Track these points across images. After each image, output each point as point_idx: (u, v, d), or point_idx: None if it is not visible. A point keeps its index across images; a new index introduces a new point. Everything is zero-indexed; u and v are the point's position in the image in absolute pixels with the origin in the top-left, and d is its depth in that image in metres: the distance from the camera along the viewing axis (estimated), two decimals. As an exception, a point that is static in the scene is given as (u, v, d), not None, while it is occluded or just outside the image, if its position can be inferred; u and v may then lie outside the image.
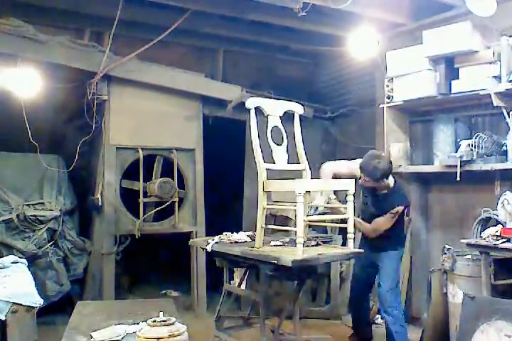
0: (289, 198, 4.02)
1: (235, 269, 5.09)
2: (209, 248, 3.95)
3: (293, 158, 3.85)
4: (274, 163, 3.72)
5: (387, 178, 4.13)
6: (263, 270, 3.73)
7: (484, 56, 4.33)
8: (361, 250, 3.80)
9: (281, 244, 3.85)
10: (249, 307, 4.48)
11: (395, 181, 4.30)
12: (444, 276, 4.35)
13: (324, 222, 4.17)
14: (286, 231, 4.49)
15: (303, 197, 3.37)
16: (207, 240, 4.11)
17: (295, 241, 3.42)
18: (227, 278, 4.33)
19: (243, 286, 4.79)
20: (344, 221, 3.70)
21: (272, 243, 3.86)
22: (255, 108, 3.71)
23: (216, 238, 4.09)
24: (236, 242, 3.98)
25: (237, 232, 4.25)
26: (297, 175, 3.83)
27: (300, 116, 3.94)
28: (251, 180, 6.27)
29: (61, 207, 5.52)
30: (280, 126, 3.81)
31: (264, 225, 3.64)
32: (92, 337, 2.91)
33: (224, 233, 4.20)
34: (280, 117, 3.85)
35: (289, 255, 3.35)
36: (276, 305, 4.72)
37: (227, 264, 4.21)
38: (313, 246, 3.79)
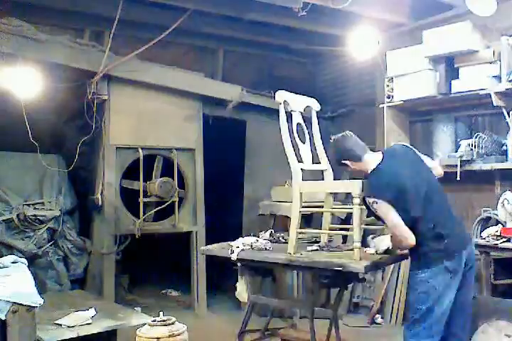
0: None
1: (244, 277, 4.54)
2: (234, 256, 3.69)
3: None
4: (301, 162, 3.55)
5: (347, 160, 3.27)
6: (315, 278, 3.56)
7: (484, 56, 4.33)
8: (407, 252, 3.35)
9: (317, 248, 3.65)
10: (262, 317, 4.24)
11: (382, 160, 3.20)
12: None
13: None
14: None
15: (358, 199, 3.18)
16: (229, 248, 3.77)
17: (327, 245, 3.45)
18: (250, 289, 3.97)
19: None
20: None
21: (308, 248, 3.64)
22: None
23: (240, 244, 3.79)
24: (265, 249, 3.72)
25: (240, 234, 4.13)
26: (316, 175, 3.73)
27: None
28: (251, 179, 6.27)
29: (61, 206, 5.52)
30: (302, 122, 3.67)
31: (299, 230, 3.44)
32: (61, 325, 2.99)
33: (240, 239, 3.89)
34: (301, 113, 3.69)
35: (351, 261, 3.19)
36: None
37: (252, 273, 3.96)
38: (334, 250, 3.61)
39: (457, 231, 3.14)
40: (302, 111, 3.70)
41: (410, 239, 2.99)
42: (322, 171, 3.76)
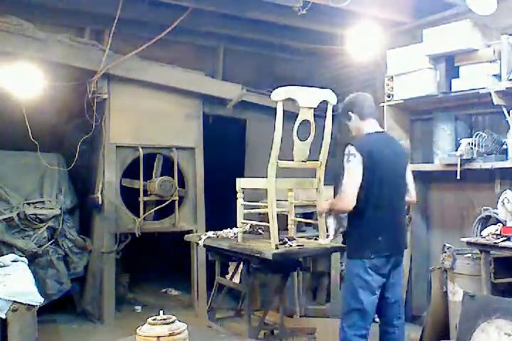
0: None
1: (230, 263, 5.22)
2: (201, 243, 4.20)
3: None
4: (292, 159, 3.65)
5: (353, 112, 3.39)
6: (251, 263, 3.88)
7: (484, 55, 4.32)
8: (344, 245, 3.52)
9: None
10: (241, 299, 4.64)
11: (380, 134, 3.39)
12: (444, 275, 4.36)
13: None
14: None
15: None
16: (200, 235, 4.35)
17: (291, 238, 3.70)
18: (219, 271, 4.57)
19: (237, 280, 4.90)
20: None
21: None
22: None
23: (209, 233, 4.31)
24: (228, 238, 4.18)
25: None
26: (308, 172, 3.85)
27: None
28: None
29: (61, 205, 5.53)
30: (312, 119, 3.64)
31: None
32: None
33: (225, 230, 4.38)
34: (314, 109, 3.64)
35: (270, 249, 3.53)
36: (264, 297, 4.96)
37: (220, 258, 4.41)
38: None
39: (394, 238, 3.31)
40: (315, 106, 3.65)
41: (351, 202, 3.12)
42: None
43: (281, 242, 3.64)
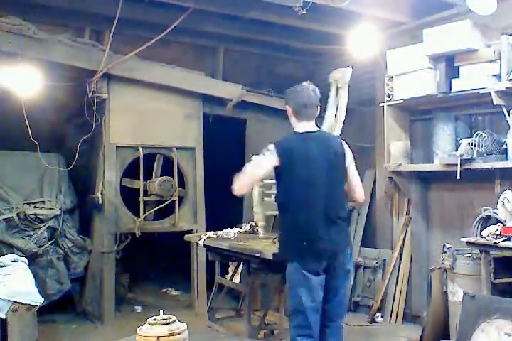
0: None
1: (230, 263, 5.32)
2: (201, 243, 4.23)
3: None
4: None
5: (290, 107, 3.28)
6: (251, 263, 3.92)
7: (484, 55, 4.32)
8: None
9: None
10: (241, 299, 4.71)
11: (302, 134, 3.24)
12: (444, 275, 4.36)
13: None
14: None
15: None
16: (200, 235, 4.41)
17: None
18: (218, 271, 4.67)
19: (237, 279, 4.95)
20: None
21: None
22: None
23: (209, 233, 4.37)
24: (228, 238, 4.25)
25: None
26: None
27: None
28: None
29: (61, 205, 5.53)
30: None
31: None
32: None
33: (225, 230, 4.50)
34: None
35: (270, 249, 3.55)
36: (264, 297, 4.93)
37: (219, 258, 4.46)
38: None
39: (323, 241, 3.11)
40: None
41: (238, 189, 3.12)
42: None
43: None
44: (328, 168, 3.15)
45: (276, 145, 3.12)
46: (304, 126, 3.24)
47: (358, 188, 3.34)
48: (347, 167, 3.26)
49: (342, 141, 3.36)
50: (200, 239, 4.25)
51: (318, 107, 3.30)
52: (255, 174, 3.14)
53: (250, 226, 4.54)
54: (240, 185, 3.12)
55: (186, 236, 4.78)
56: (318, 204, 3.10)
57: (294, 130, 3.27)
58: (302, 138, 3.21)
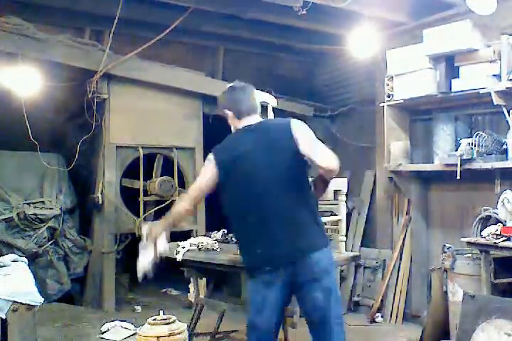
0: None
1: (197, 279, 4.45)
2: (179, 257, 3.55)
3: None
4: None
5: (230, 110, 2.95)
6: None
7: (484, 55, 4.32)
8: (358, 253, 3.50)
9: None
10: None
11: (242, 129, 2.92)
12: (444, 275, 4.36)
13: None
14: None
15: None
16: (177, 248, 3.67)
17: None
18: (196, 289, 3.93)
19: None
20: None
21: None
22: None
23: (187, 244, 3.68)
24: (213, 250, 3.65)
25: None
26: None
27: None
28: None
29: (61, 205, 5.53)
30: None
31: None
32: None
33: (190, 239, 3.82)
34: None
35: None
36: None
37: (197, 274, 3.86)
38: None
39: (282, 246, 2.71)
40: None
41: (179, 204, 2.92)
42: None
43: None
44: (272, 162, 2.73)
45: (213, 153, 2.90)
46: (244, 122, 2.91)
47: (316, 153, 2.66)
48: (298, 144, 2.70)
49: (292, 120, 2.82)
50: (178, 253, 3.59)
51: (256, 100, 2.96)
52: (199, 184, 2.91)
53: (222, 235, 4.01)
54: (185, 197, 2.92)
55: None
56: (269, 205, 2.71)
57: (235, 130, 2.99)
58: (239, 134, 2.91)
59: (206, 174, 2.87)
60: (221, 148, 2.93)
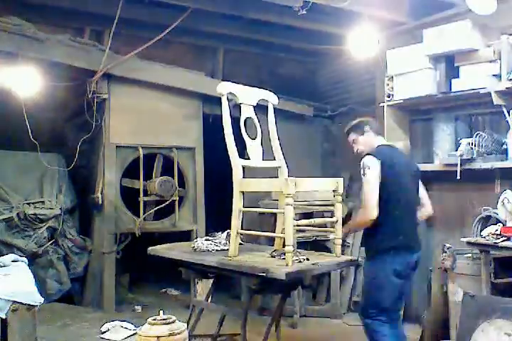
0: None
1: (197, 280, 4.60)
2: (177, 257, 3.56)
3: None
4: (248, 158, 3.50)
5: (357, 131, 3.62)
6: (245, 283, 3.34)
7: (484, 55, 4.32)
8: (354, 258, 3.76)
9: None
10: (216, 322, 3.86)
11: (387, 146, 3.56)
12: (444, 275, 4.35)
13: (313, 226, 3.80)
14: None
15: (292, 199, 2.94)
16: (170, 248, 3.71)
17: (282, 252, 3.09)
18: (194, 291, 3.95)
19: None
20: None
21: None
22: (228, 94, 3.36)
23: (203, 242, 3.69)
24: (208, 251, 3.57)
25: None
26: (271, 173, 3.63)
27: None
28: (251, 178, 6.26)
29: (61, 205, 5.53)
30: (254, 117, 3.56)
31: (240, 230, 3.24)
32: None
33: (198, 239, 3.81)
34: (254, 107, 3.55)
35: (278, 266, 2.97)
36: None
37: (194, 275, 3.83)
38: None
39: (412, 238, 3.46)
40: (254, 104, 3.57)
41: (374, 211, 3.18)
42: (277, 169, 3.65)
43: (282, 256, 3.14)
44: (412, 178, 3.48)
45: (375, 156, 3.30)
46: (382, 140, 3.61)
47: (428, 200, 3.70)
48: (420, 185, 3.62)
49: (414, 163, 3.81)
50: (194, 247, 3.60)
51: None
52: (377, 192, 3.23)
53: (227, 236, 3.72)
54: (372, 209, 3.21)
55: (151, 249, 3.86)
56: (412, 211, 3.52)
57: (376, 145, 3.50)
58: (388, 149, 3.55)
59: (376, 182, 3.25)
60: (382, 155, 3.34)
